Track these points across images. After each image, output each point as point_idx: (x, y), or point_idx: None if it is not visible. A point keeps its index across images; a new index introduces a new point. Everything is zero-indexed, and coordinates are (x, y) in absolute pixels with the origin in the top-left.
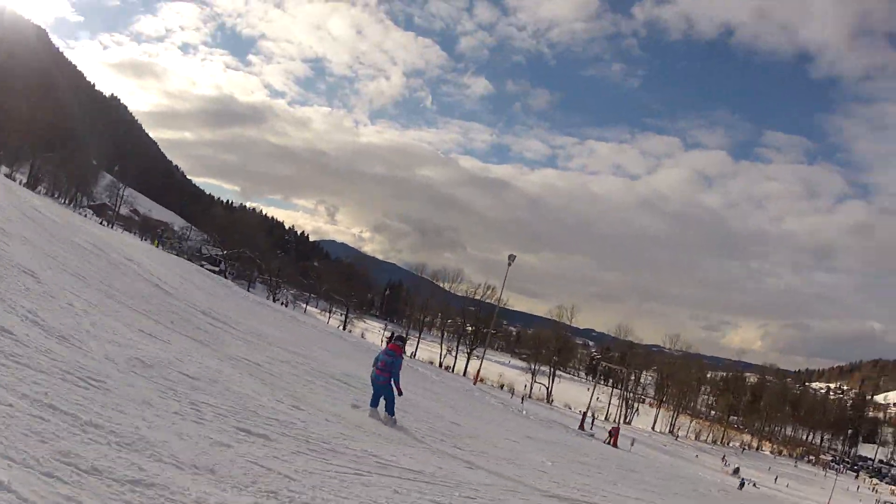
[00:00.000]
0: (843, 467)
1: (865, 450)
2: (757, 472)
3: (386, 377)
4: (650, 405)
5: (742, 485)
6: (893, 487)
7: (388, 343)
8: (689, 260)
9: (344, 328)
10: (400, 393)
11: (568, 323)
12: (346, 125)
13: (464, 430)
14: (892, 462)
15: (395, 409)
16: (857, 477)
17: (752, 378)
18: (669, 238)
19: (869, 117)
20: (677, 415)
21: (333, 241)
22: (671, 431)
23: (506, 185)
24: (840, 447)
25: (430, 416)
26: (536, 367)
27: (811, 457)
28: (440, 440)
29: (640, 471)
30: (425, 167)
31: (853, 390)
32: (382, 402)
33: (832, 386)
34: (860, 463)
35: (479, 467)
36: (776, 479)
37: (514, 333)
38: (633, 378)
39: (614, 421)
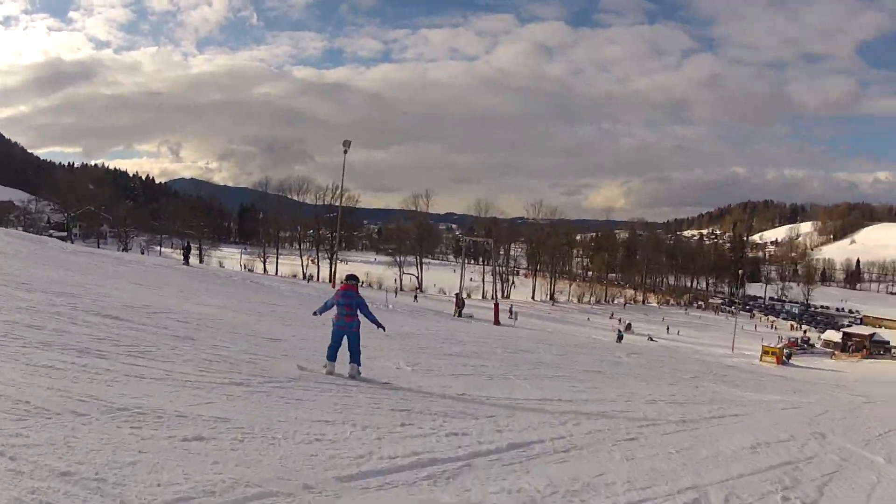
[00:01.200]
0: (736, 309)
1: (753, 289)
2: (649, 324)
3: (357, 321)
4: (525, 276)
5: (620, 337)
6: (792, 322)
7: (343, 284)
8: (541, 131)
9: (186, 262)
10: (383, 328)
11: (425, 209)
12: (175, 60)
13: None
14: (783, 298)
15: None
16: (752, 317)
17: (622, 234)
18: (518, 113)
19: None
20: (554, 281)
21: (182, 179)
22: (551, 298)
23: (344, 87)
24: (727, 290)
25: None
26: (402, 259)
27: (700, 302)
28: None
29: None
30: (262, 85)
31: (727, 234)
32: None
33: (704, 232)
34: (751, 303)
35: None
36: (668, 329)
37: (375, 231)
38: (501, 252)
39: (492, 298)
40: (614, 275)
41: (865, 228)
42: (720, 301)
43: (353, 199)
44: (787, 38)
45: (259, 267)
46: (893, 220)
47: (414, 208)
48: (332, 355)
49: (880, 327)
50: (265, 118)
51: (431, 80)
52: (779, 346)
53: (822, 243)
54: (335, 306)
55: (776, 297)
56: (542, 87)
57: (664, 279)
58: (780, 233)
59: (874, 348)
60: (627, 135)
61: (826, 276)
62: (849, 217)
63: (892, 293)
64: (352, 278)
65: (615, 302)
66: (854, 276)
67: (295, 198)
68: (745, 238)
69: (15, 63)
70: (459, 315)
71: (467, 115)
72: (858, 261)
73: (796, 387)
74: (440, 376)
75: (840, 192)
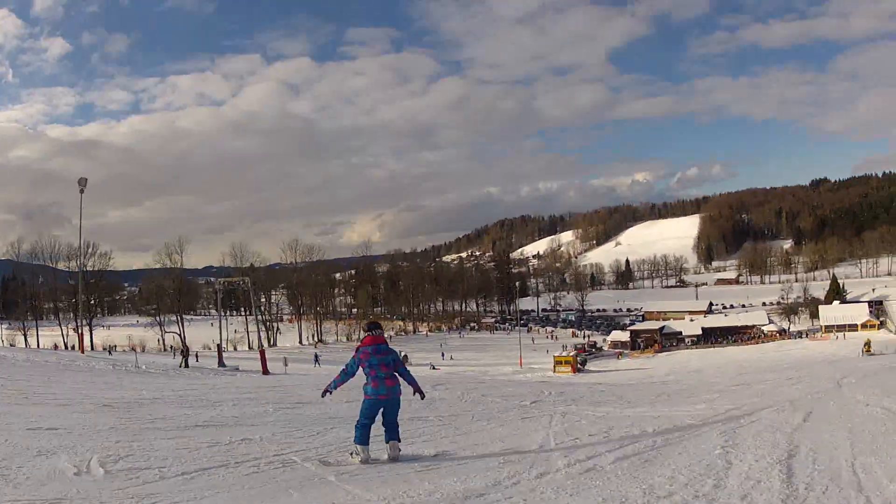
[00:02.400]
0: (511, 325)
1: (525, 304)
2: (427, 353)
3: (399, 385)
4: (290, 321)
5: None
6: (573, 330)
7: (368, 334)
8: (289, 172)
9: None
10: (423, 394)
11: (179, 262)
12: None
13: None
14: (557, 308)
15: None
16: (529, 331)
17: (381, 267)
18: (266, 155)
19: None
20: (320, 322)
21: None
22: (320, 340)
23: (96, 143)
24: (498, 308)
25: None
26: (164, 318)
27: (473, 324)
28: None
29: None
30: (17, 148)
31: (487, 253)
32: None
33: (464, 255)
34: (525, 317)
35: None
36: (443, 355)
37: (137, 291)
38: (263, 299)
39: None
40: (380, 308)
41: (629, 229)
42: (493, 320)
43: (106, 256)
44: (535, 54)
45: (20, 341)
46: (656, 218)
47: (168, 262)
48: (365, 437)
49: (667, 320)
50: (22, 183)
51: (180, 128)
52: (569, 354)
53: (587, 249)
54: (366, 369)
55: (549, 308)
56: (288, 125)
57: (430, 306)
58: (541, 245)
59: (666, 341)
60: (376, 166)
61: (596, 281)
62: (610, 220)
63: (666, 287)
64: (376, 327)
65: (387, 335)
66: (625, 276)
67: (51, 265)
68: (507, 256)
69: None
70: (186, 365)
71: (217, 163)
72: (627, 261)
73: (632, 394)
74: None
75: (598, 198)
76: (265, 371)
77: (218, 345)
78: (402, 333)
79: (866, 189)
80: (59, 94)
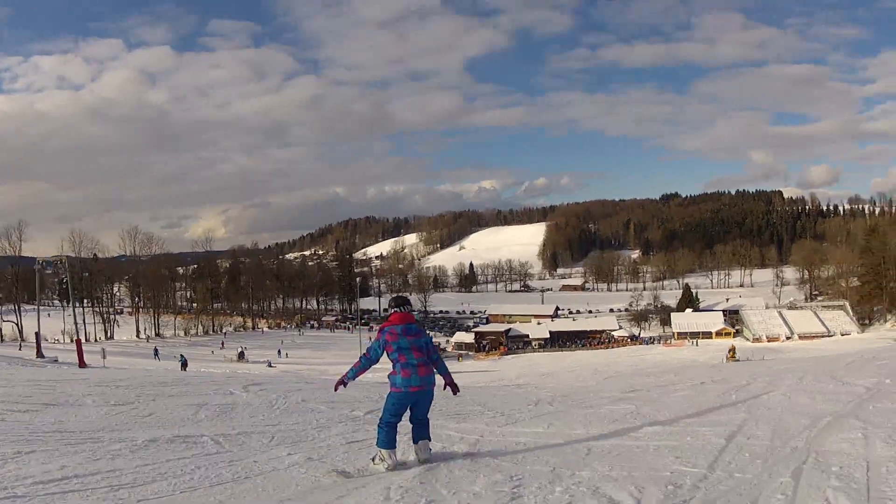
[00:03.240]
0: (352, 324)
1: (367, 303)
2: (265, 350)
3: (430, 372)
4: (130, 314)
5: (184, 364)
6: None
7: (395, 310)
8: (140, 162)
9: None
10: (456, 390)
11: (18, 247)
12: None
13: None
14: None
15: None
16: (370, 329)
17: (225, 263)
18: (120, 144)
19: None
20: (157, 316)
21: None
22: (157, 334)
23: None
24: (339, 306)
25: None
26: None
27: (313, 322)
28: None
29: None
30: None
31: (330, 252)
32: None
33: (307, 253)
34: (366, 316)
35: None
36: (280, 352)
37: None
38: (105, 292)
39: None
40: (220, 304)
41: (474, 234)
42: (334, 318)
43: None
44: (393, 58)
45: None
46: (501, 224)
47: (7, 248)
48: (392, 439)
49: (512, 323)
50: None
51: (38, 111)
52: None
53: (430, 252)
54: (393, 354)
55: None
56: (143, 115)
57: (272, 303)
58: (385, 247)
59: (513, 344)
60: (225, 161)
61: (439, 283)
62: (455, 225)
63: (511, 291)
64: (405, 302)
65: (224, 331)
66: (469, 279)
67: None
68: (350, 255)
69: None
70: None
71: (72, 149)
72: (472, 264)
73: (499, 403)
74: None
75: (444, 203)
76: (81, 363)
77: (36, 333)
78: (241, 329)
79: (718, 205)
80: None
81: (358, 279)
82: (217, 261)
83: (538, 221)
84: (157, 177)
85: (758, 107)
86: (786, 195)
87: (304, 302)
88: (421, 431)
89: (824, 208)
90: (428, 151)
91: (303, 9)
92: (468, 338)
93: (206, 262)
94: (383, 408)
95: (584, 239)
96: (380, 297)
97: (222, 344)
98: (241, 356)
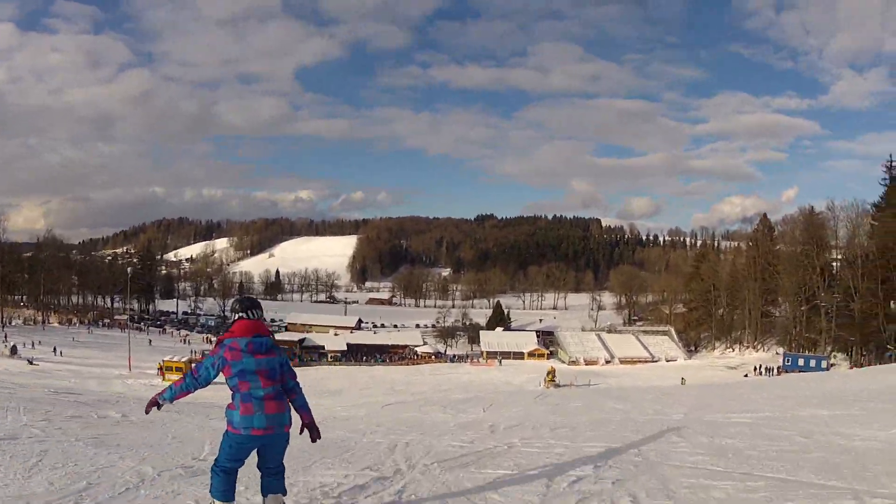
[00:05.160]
0: (147, 324)
1: (167, 305)
2: (45, 347)
3: (283, 409)
4: None
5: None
6: (207, 335)
7: (240, 316)
8: None
9: None
10: (317, 435)
11: None
12: None
13: None
14: (197, 312)
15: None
16: (163, 332)
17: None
18: None
19: None
20: None
21: None
22: None
23: None
24: (138, 306)
25: None
26: None
27: (106, 320)
28: None
29: None
30: None
31: (140, 252)
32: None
33: (119, 251)
34: (163, 318)
35: None
36: (55, 349)
37: None
38: None
39: None
40: (19, 296)
41: (285, 242)
42: (127, 317)
43: None
44: (227, 58)
45: None
46: (313, 235)
47: None
48: (229, 489)
49: (310, 333)
50: None
51: None
52: (185, 359)
53: (240, 258)
54: (232, 379)
55: (190, 311)
56: None
57: (69, 298)
58: (195, 249)
59: (306, 355)
60: (52, 150)
61: (245, 289)
62: (266, 232)
63: (316, 301)
64: (255, 306)
65: (12, 323)
66: (274, 286)
67: None
68: (159, 256)
69: None
70: None
71: None
72: (278, 272)
73: None
74: None
75: (259, 210)
76: None
77: None
78: (31, 323)
79: (534, 228)
80: None
81: (162, 283)
82: (25, 254)
83: (350, 234)
84: None
85: (583, 137)
86: (604, 224)
87: (103, 300)
88: (271, 483)
89: (644, 238)
90: (249, 157)
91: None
92: None
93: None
94: (219, 448)
95: (395, 254)
96: (178, 299)
97: (5, 336)
98: (13, 351)
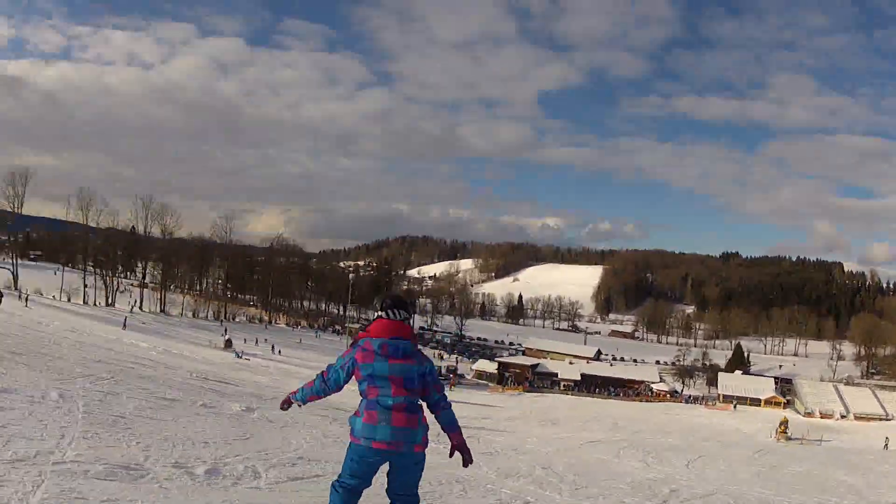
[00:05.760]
0: None
1: None
2: (268, 344)
3: (424, 427)
4: (154, 290)
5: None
6: (441, 352)
7: (380, 315)
8: (206, 150)
9: None
10: (469, 459)
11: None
12: None
13: None
14: (434, 328)
15: None
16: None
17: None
18: (185, 129)
19: (397, 8)
20: (164, 292)
21: None
22: (162, 311)
23: (21, 81)
24: (373, 316)
25: None
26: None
27: (337, 326)
28: None
29: None
30: None
31: (383, 266)
32: None
33: (361, 263)
34: None
35: None
36: (273, 348)
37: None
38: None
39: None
40: (247, 296)
41: (530, 268)
42: (359, 326)
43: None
44: (466, 81)
45: None
46: (558, 262)
47: (80, 214)
48: None
49: (544, 358)
50: None
51: (106, 84)
52: None
53: (484, 280)
54: (362, 383)
55: (426, 327)
56: (211, 103)
57: (300, 302)
58: (439, 268)
59: (539, 381)
60: (292, 162)
61: (486, 311)
62: (513, 256)
63: (558, 329)
64: (400, 305)
65: (236, 319)
66: (516, 311)
67: None
68: (401, 271)
69: None
70: None
71: (135, 127)
72: (521, 296)
73: None
74: None
75: (507, 234)
76: None
77: None
78: (256, 321)
79: (778, 269)
80: None
81: (395, 292)
82: (259, 257)
83: (595, 264)
84: (220, 167)
85: (824, 175)
86: (846, 268)
87: (336, 307)
88: None
89: (884, 285)
90: (492, 179)
91: (377, 20)
92: (491, 367)
93: (241, 252)
94: (343, 463)
95: (640, 287)
96: (417, 315)
97: (225, 330)
98: (228, 344)
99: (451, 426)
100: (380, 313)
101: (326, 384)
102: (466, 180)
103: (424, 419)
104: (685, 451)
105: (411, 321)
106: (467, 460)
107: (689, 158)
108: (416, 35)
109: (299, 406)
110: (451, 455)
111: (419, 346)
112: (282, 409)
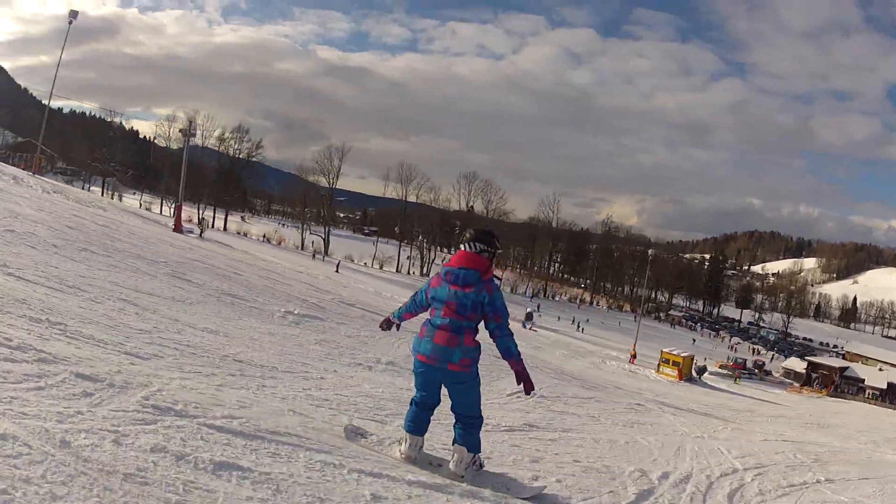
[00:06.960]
0: (703, 326)
1: (733, 313)
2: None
3: (470, 349)
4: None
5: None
6: (757, 347)
7: (465, 245)
8: (559, 137)
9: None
10: (530, 388)
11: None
12: (199, 26)
13: None
14: (759, 324)
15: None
16: (715, 335)
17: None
18: (536, 117)
19: None
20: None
21: (195, 147)
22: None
23: (367, 72)
24: (702, 307)
25: None
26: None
27: (661, 313)
28: None
29: None
30: (284, 61)
31: (730, 260)
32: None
33: (707, 256)
34: (723, 323)
35: None
36: (578, 326)
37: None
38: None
39: (177, 203)
40: (580, 279)
41: (870, 271)
42: (680, 314)
43: (253, 143)
44: (815, 72)
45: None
46: None
47: (427, 199)
48: (418, 421)
49: (855, 362)
50: (284, 94)
51: (456, 74)
52: (686, 354)
53: (825, 280)
54: (431, 302)
55: (754, 322)
56: (564, 93)
57: (633, 289)
58: (783, 265)
59: (846, 385)
60: (646, 152)
61: (820, 312)
62: (854, 257)
63: (888, 336)
64: (484, 237)
65: (556, 299)
66: (849, 314)
67: (311, 178)
68: (746, 266)
69: (38, 12)
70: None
71: (486, 115)
72: (855, 299)
73: None
74: None
75: (852, 234)
76: (177, 227)
77: (177, 206)
78: (578, 302)
79: None
80: (332, 18)
81: (740, 291)
82: (589, 245)
83: None
84: (572, 155)
85: None
86: None
87: (666, 295)
88: (456, 431)
89: None
90: (842, 177)
91: (727, 8)
92: (800, 365)
93: (574, 235)
94: None
95: None
96: (743, 309)
97: (534, 309)
98: (528, 317)
99: (506, 353)
100: (462, 245)
101: (416, 302)
102: (817, 176)
103: (469, 343)
104: None
105: (492, 254)
106: (529, 388)
107: None
108: (766, 23)
109: (396, 324)
110: (518, 384)
111: (495, 278)
112: (381, 328)
